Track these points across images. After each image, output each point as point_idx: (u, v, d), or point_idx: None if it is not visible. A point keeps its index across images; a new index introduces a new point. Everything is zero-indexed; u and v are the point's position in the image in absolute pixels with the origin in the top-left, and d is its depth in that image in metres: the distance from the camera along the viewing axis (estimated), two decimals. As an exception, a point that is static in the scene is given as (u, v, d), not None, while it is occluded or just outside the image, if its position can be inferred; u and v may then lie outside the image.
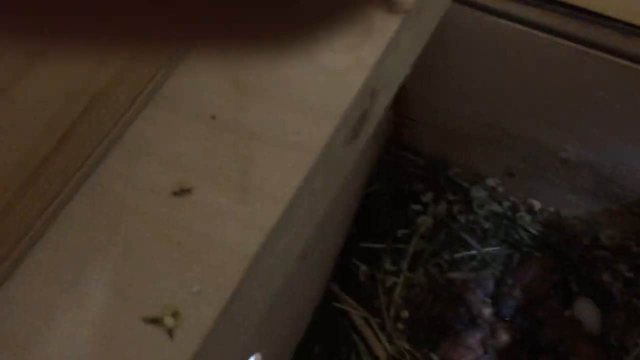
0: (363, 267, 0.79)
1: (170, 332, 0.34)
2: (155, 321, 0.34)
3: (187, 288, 0.35)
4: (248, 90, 0.42)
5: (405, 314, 0.78)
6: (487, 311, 0.79)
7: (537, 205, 0.82)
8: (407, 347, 0.76)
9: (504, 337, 0.78)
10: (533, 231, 0.84)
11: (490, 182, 0.82)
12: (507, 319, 0.79)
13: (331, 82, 0.42)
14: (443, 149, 0.82)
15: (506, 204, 0.84)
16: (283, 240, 0.39)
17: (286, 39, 0.15)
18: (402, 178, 0.84)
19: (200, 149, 0.40)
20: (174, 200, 0.38)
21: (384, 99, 0.49)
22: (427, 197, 0.83)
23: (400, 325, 0.77)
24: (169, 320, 0.34)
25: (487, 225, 0.84)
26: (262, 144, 0.40)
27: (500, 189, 0.82)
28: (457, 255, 0.83)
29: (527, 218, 0.83)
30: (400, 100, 0.78)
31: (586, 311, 0.81)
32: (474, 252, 0.84)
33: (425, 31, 0.49)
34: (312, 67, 0.43)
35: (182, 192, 0.39)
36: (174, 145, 0.40)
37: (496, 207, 0.84)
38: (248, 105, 0.41)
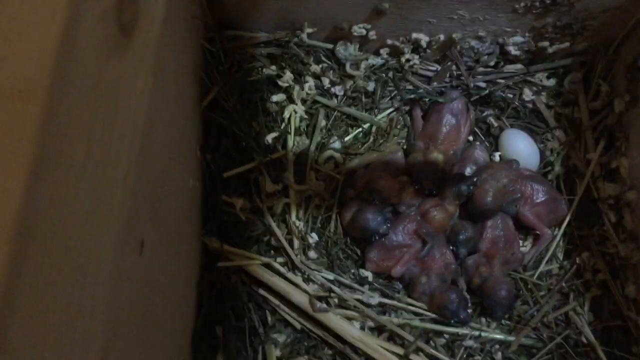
0: (239, 202, 0.58)
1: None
2: None
3: None
4: None
5: (313, 237, 0.59)
6: (407, 192, 0.62)
7: (423, 38, 0.62)
8: (330, 277, 0.58)
9: (437, 215, 0.61)
10: (427, 73, 0.65)
11: (358, 30, 0.61)
12: (431, 189, 0.61)
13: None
14: (283, 12, 0.59)
15: (384, 51, 0.64)
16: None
17: None
18: (244, 67, 0.61)
19: None
20: None
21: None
22: (286, 79, 0.61)
23: (313, 254, 0.58)
24: None
25: (370, 86, 0.64)
26: None
27: (373, 35, 0.62)
28: (348, 138, 0.64)
29: (416, 59, 0.64)
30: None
31: (519, 143, 0.65)
32: (366, 125, 0.64)
33: None
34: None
35: None
36: None
37: (375, 60, 0.64)
38: None
